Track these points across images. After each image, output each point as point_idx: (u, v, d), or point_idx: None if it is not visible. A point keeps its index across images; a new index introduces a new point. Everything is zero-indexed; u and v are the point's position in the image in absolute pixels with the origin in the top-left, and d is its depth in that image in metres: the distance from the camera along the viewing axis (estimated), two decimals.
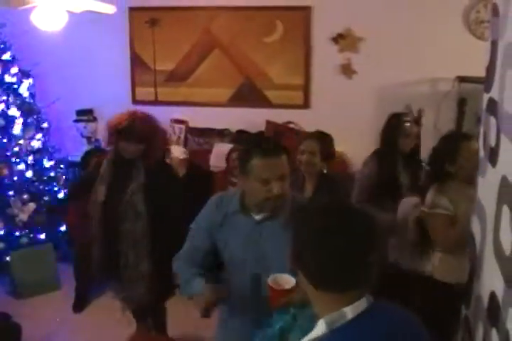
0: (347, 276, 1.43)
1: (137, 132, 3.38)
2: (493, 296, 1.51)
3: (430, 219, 2.95)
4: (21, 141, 5.17)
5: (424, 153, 5.17)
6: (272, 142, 2.38)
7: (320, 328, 1.43)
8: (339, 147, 5.60)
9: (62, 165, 5.57)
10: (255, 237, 2.39)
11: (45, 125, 5.48)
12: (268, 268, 2.28)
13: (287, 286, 2.10)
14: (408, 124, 3.96)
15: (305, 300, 1.69)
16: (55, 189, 5.41)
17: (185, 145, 5.78)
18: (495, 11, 1.72)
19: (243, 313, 2.46)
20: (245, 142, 2.42)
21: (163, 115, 5.74)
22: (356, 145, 5.35)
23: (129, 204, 3.43)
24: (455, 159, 2.90)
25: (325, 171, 3.77)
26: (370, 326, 1.42)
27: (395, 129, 3.93)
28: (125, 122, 3.39)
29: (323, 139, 3.80)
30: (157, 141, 3.55)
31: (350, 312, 1.42)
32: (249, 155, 2.27)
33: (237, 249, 2.42)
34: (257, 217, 2.39)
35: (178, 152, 5.09)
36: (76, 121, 5.98)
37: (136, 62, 6.01)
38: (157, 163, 3.60)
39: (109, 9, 4.49)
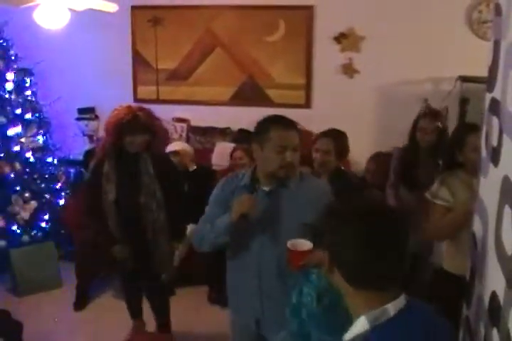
0: (388, 275, 1.48)
1: (141, 123, 3.46)
2: (494, 296, 1.50)
3: (430, 208, 3.02)
4: (23, 139, 5.17)
5: None
6: (287, 118, 2.64)
7: (362, 325, 1.47)
8: None
9: (63, 163, 5.57)
10: (266, 207, 2.55)
11: (46, 123, 5.48)
12: (280, 233, 2.51)
13: (305, 248, 2.28)
14: (422, 118, 4.13)
15: (320, 263, 1.79)
16: (57, 187, 5.42)
17: None
18: (498, 11, 1.71)
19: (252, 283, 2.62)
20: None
21: (164, 114, 5.76)
22: (358, 144, 5.34)
23: (149, 195, 3.55)
24: (462, 148, 2.96)
25: (342, 168, 3.85)
26: (411, 322, 1.47)
27: (414, 124, 4.17)
28: (127, 116, 3.45)
29: (338, 137, 3.79)
30: (160, 130, 3.67)
31: (392, 309, 1.46)
32: (269, 126, 2.53)
33: (258, 226, 2.55)
34: (267, 188, 2.57)
35: (185, 146, 5.11)
36: (78, 119, 5.98)
37: (138, 60, 6.01)
38: (159, 154, 3.77)
39: (111, 7, 4.49)
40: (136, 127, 3.44)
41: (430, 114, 4.29)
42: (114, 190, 3.54)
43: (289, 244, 2.32)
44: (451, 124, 5.09)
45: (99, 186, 3.55)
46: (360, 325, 1.47)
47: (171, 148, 4.91)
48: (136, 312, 4.12)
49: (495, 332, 1.46)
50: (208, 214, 2.70)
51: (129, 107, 3.54)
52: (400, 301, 1.48)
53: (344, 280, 1.50)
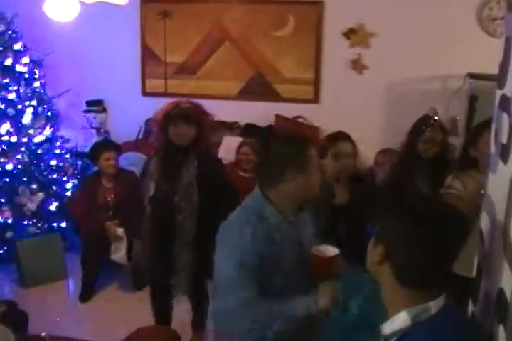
0: (437, 274, 1.50)
1: (186, 114, 3.46)
2: (501, 293, 1.50)
3: (443, 198, 3.04)
4: (31, 131, 5.19)
5: None
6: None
7: (403, 320, 1.47)
8: None
9: (71, 155, 5.59)
10: (297, 238, 2.33)
11: (55, 115, 5.49)
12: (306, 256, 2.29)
13: (332, 254, 2.20)
14: (429, 129, 3.70)
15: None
16: (64, 179, 5.43)
17: None
18: (510, 7, 1.71)
19: None
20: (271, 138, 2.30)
21: None
22: (365, 140, 5.31)
23: (185, 195, 3.48)
24: (477, 143, 3.00)
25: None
26: (451, 321, 1.49)
27: (415, 133, 3.73)
28: (171, 107, 3.48)
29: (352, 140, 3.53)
30: (206, 123, 3.60)
31: (433, 307, 1.47)
32: (304, 149, 2.26)
33: (291, 258, 2.28)
34: (292, 218, 2.32)
35: None
36: (86, 111, 5.99)
37: (147, 53, 6.02)
38: (207, 153, 3.71)
39: (122, 0, 4.51)
40: (178, 116, 3.43)
41: (439, 124, 3.88)
42: (154, 188, 3.52)
43: (315, 250, 2.23)
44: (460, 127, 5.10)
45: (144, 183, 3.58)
46: (401, 320, 1.48)
47: None
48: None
49: (501, 328, 1.46)
50: (246, 290, 2.14)
51: (176, 102, 3.56)
52: (441, 300, 1.50)
53: (391, 275, 1.50)
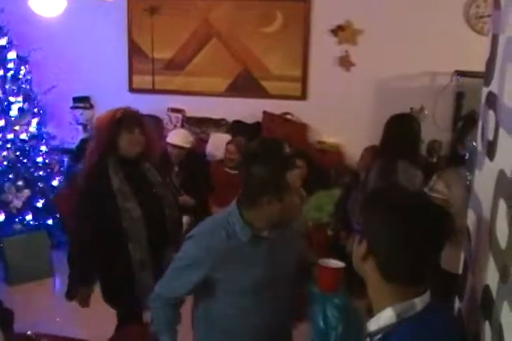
0: (422, 270, 1.50)
1: (137, 117, 3.16)
2: (487, 290, 1.51)
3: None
4: (17, 127, 5.15)
5: (422, 146, 5.23)
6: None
7: (388, 317, 1.47)
8: (335, 139, 5.64)
9: (57, 152, 5.56)
10: (270, 255, 2.34)
11: (41, 111, 5.46)
12: (280, 279, 2.35)
13: (339, 266, 2.28)
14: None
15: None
16: (50, 176, 5.40)
17: None
18: (497, 4, 1.71)
19: None
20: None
21: (160, 103, 5.76)
22: (352, 137, 5.37)
23: (170, 205, 3.29)
24: (463, 141, 3.05)
25: None
26: (436, 318, 1.49)
27: (396, 133, 3.84)
28: (121, 114, 3.12)
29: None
30: (153, 136, 3.35)
31: (419, 303, 1.47)
32: (282, 171, 2.34)
33: (255, 275, 2.31)
34: (266, 234, 2.33)
35: (192, 141, 5.13)
36: (72, 108, 5.95)
37: (134, 49, 5.98)
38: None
39: None
40: (132, 122, 3.09)
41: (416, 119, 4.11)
42: (137, 206, 3.11)
43: (321, 261, 2.29)
44: (442, 121, 5.13)
45: (107, 206, 3.10)
46: (387, 316, 1.47)
47: (178, 141, 4.91)
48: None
49: (487, 325, 1.46)
50: (185, 278, 2.35)
51: (115, 108, 3.18)
52: (426, 296, 1.49)
53: (376, 271, 1.50)
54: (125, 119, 3.10)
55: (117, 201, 3.07)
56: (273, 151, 2.45)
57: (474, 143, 2.43)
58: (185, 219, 4.23)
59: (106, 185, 3.07)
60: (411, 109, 5.08)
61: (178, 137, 4.96)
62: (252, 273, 2.30)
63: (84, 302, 3.41)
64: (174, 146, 4.86)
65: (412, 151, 3.80)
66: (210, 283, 2.33)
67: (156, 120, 5.71)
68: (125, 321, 3.47)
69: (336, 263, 2.29)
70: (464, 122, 3.38)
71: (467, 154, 3.02)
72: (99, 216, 3.09)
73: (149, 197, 3.19)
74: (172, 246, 3.23)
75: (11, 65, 5.20)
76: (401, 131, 3.81)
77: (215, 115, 5.82)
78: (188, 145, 4.97)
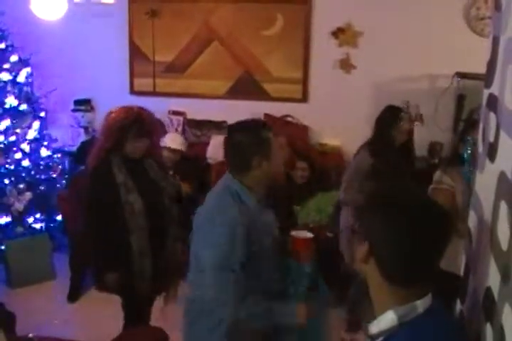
0: (424, 272, 1.49)
1: (146, 127, 3.24)
2: (488, 291, 1.51)
3: (435, 193, 3.11)
4: (18, 130, 5.16)
5: (423, 147, 5.24)
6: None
7: (389, 320, 1.46)
8: (336, 141, 5.64)
9: (58, 155, 5.56)
10: (264, 217, 2.45)
11: (42, 114, 5.46)
12: (276, 245, 2.46)
13: (309, 236, 2.45)
14: (404, 122, 4.08)
15: None
16: (52, 178, 5.40)
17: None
18: (497, 6, 1.71)
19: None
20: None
21: (161, 106, 5.77)
22: (353, 139, 5.35)
23: (170, 199, 3.43)
24: (464, 142, 3.07)
25: None
26: (438, 320, 1.48)
27: (391, 125, 4.05)
28: (130, 118, 3.21)
29: None
30: (160, 134, 3.56)
31: (420, 306, 1.46)
32: (263, 132, 2.36)
33: (265, 237, 2.41)
34: (263, 201, 2.45)
35: (184, 143, 5.18)
36: (74, 110, 5.96)
37: (135, 52, 5.99)
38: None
39: None
40: (141, 131, 3.20)
41: (410, 115, 4.31)
42: (140, 199, 3.24)
43: (294, 233, 2.43)
44: (443, 123, 5.14)
45: (113, 199, 3.23)
46: (388, 319, 1.47)
47: (172, 144, 4.97)
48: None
49: (488, 326, 1.46)
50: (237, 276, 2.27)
51: (129, 109, 3.29)
52: (428, 299, 1.48)
53: (378, 272, 1.49)
54: (135, 125, 3.20)
55: (120, 194, 3.21)
56: (248, 120, 2.54)
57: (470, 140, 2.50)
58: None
59: (110, 180, 3.22)
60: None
61: (170, 140, 5.04)
62: (263, 239, 2.37)
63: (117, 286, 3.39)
64: (168, 149, 4.91)
65: (374, 137, 4.10)
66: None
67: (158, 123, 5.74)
68: (132, 320, 3.56)
69: (306, 234, 2.47)
70: (465, 124, 3.42)
71: (466, 154, 3.03)
72: (102, 208, 3.23)
73: (150, 191, 3.33)
74: (171, 237, 3.41)
75: (12, 68, 5.20)
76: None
77: (216, 118, 5.83)
78: (181, 148, 5.06)
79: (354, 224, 1.61)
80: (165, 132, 5.52)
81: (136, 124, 3.19)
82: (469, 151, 3.03)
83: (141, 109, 3.31)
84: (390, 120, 4.05)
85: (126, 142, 3.21)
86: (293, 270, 2.46)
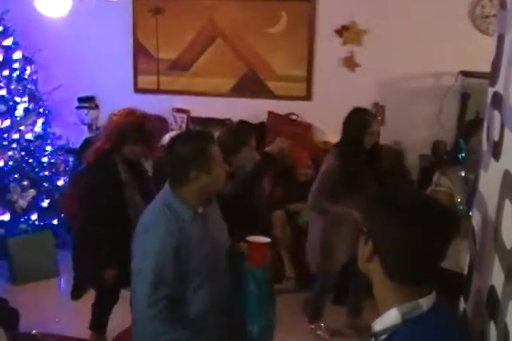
0: (427, 270, 1.50)
1: (147, 135, 3.43)
2: (492, 290, 1.51)
3: (434, 195, 3.07)
4: (22, 127, 5.17)
5: (427, 146, 5.23)
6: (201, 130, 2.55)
7: (393, 317, 1.47)
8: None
9: (62, 152, 5.57)
10: (209, 232, 2.43)
11: (46, 111, 5.47)
12: (221, 251, 2.48)
13: (266, 241, 2.49)
14: (373, 124, 3.98)
15: None
16: (55, 176, 5.41)
17: None
18: (503, 4, 1.71)
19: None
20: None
21: (165, 104, 5.77)
22: None
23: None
24: (469, 141, 3.04)
25: None
26: (443, 318, 1.49)
27: (359, 127, 3.93)
28: (132, 125, 3.38)
29: None
30: (158, 139, 3.65)
31: (424, 304, 1.47)
32: (204, 146, 2.33)
33: (202, 251, 2.37)
34: (201, 210, 2.42)
35: None
36: (78, 108, 5.97)
37: (139, 50, 5.99)
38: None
39: None
40: (140, 137, 3.39)
41: (376, 117, 4.30)
42: (140, 195, 3.48)
43: (250, 238, 2.47)
44: (447, 121, 5.13)
45: (117, 196, 3.41)
46: (392, 317, 1.48)
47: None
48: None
49: (492, 325, 1.46)
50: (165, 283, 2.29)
51: (132, 112, 3.44)
52: (432, 297, 1.49)
53: (382, 271, 1.50)
54: (135, 131, 3.34)
55: (125, 191, 3.38)
56: (192, 131, 2.61)
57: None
58: None
59: (114, 177, 3.38)
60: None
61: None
62: (199, 251, 2.35)
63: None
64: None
65: (341, 140, 4.04)
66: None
67: (162, 120, 5.73)
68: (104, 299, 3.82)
69: (263, 239, 2.49)
70: (469, 124, 3.41)
71: (462, 154, 3.03)
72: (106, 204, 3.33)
73: (149, 188, 3.46)
74: None
75: (16, 65, 5.21)
76: None
77: (220, 115, 5.82)
78: None
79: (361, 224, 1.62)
80: (167, 130, 5.52)
81: (135, 131, 3.34)
82: (463, 154, 3.03)
83: (143, 114, 3.45)
84: (359, 123, 3.95)
85: (125, 145, 3.38)
86: (246, 273, 2.51)
